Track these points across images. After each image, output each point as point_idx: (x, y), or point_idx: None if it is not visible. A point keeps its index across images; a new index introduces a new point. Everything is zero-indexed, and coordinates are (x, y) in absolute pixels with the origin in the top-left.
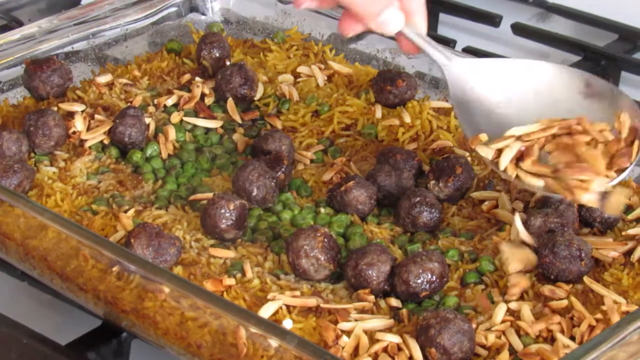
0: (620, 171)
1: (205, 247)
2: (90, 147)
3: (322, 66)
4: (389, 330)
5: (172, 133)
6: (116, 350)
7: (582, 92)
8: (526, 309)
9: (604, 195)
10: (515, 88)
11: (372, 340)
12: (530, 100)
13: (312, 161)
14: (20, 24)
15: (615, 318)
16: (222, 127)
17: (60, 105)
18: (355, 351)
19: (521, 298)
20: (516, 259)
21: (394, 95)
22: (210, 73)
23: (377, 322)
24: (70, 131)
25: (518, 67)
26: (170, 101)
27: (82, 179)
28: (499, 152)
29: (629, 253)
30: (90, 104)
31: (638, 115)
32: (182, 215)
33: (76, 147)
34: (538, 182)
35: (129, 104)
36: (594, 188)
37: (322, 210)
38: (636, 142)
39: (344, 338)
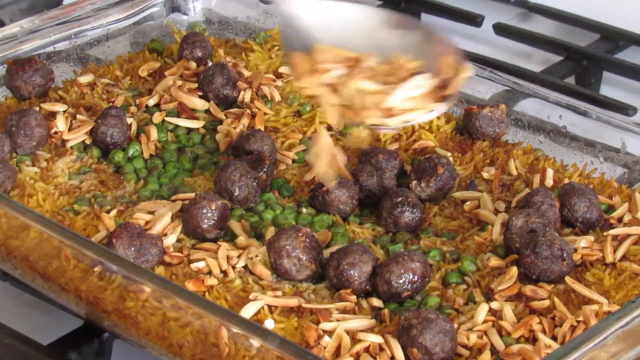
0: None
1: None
2: (72, 147)
3: None
4: (370, 330)
5: (154, 133)
6: (98, 350)
7: (387, 24)
8: (508, 309)
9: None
10: (338, 25)
11: (354, 341)
12: (349, 37)
13: (294, 161)
14: (2, 24)
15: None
16: (204, 127)
17: (42, 105)
18: (337, 351)
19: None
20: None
21: None
22: None
23: (358, 322)
24: (52, 131)
25: (344, 8)
26: (152, 101)
27: (64, 179)
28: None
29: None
30: (72, 104)
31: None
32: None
33: (58, 147)
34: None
35: (110, 104)
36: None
37: (304, 210)
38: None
39: (326, 338)
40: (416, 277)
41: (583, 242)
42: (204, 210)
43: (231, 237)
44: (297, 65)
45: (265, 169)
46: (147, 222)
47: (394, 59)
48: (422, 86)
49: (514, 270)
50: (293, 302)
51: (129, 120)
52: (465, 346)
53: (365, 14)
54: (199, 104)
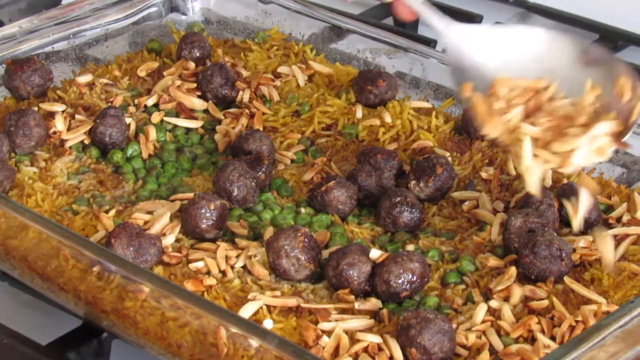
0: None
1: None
2: (70, 147)
3: (303, 66)
4: (369, 330)
5: (152, 133)
6: (96, 350)
7: (579, 58)
8: (507, 309)
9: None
10: (513, 55)
11: (353, 341)
12: (528, 67)
13: (292, 161)
14: (0, 24)
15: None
16: (202, 127)
17: (41, 105)
18: (336, 351)
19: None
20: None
21: (374, 95)
22: None
23: (357, 322)
24: (51, 131)
25: (516, 34)
26: (150, 101)
27: (62, 179)
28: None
29: None
30: (70, 104)
31: (636, 80)
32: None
33: (57, 147)
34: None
35: (109, 104)
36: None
37: (303, 210)
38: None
39: (325, 338)
40: (415, 277)
41: (582, 242)
42: (203, 210)
43: (230, 237)
44: (478, 107)
45: (264, 169)
46: (145, 222)
47: (578, 100)
48: (604, 134)
49: (513, 270)
50: (292, 302)
51: (128, 120)
52: (464, 346)
53: (555, 43)
54: (197, 104)
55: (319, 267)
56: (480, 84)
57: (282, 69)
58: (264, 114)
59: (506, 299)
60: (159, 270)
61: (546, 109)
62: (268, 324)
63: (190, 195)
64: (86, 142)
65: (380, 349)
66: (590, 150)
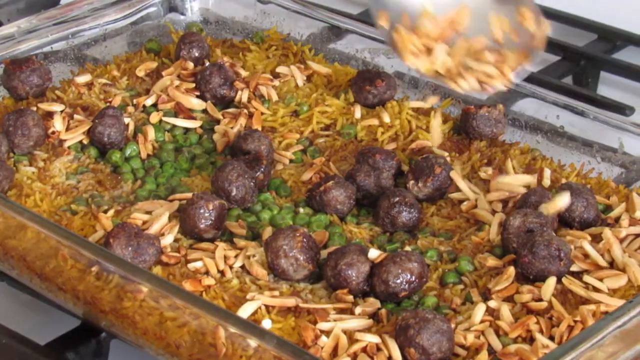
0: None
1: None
2: (69, 147)
3: (302, 66)
4: (368, 330)
5: (151, 133)
6: (95, 350)
7: None
8: (505, 309)
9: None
10: None
11: (351, 340)
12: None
13: (291, 161)
14: None
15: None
16: (201, 127)
17: (40, 105)
18: (335, 351)
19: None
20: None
21: (373, 95)
22: None
23: (356, 322)
24: (50, 131)
25: None
26: (149, 101)
27: (61, 179)
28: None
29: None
30: (69, 104)
31: (539, 13)
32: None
33: (55, 147)
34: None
35: (108, 104)
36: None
37: (301, 210)
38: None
39: (323, 338)
40: (413, 277)
41: (580, 242)
42: (202, 210)
43: (228, 237)
44: (400, 43)
45: (262, 169)
46: (144, 222)
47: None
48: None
49: (511, 270)
50: (290, 302)
51: (127, 120)
52: (462, 346)
53: None
54: (196, 103)
55: (317, 267)
56: (395, 14)
57: (281, 69)
58: (262, 113)
59: (505, 299)
60: (157, 270)
61: (461, 44)
62: (267, 324)
63: (189, 195)
64: (85, 142)
65: (378, 349)
66: (484, 77)
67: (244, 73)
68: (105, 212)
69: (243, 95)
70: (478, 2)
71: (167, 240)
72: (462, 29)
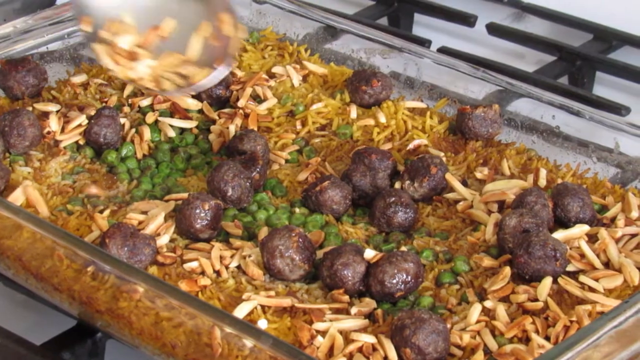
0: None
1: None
2: (65, 147)
3: (297, 66)
4: (363, 330)
5: (147, 133)
6: (91, 350)
7: None
8: (501, 309)
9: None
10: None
11: (347, 341)
12: (146, 4)
13: (287, 161)
14: None
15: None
16: (197, 127)
17: (35, 105)
18: (330, 351)
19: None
20: None
21: (369, 95)
22: None
23: (352, 322)
24: (45, 131)
25: None
26: (145, 101)
27: (57, 179)
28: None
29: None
30: (65, 104)
31: (234, 15)
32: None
33: (51, 147)
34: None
35: (104, 104)
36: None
37: (297, 210)
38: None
39: (319, 338)
40: (409, 277)
41: (576, 242)
42: (197, 211)
43: (224, 237)
44: (102, 54)
45: (258, 169)
46: (140, 222)
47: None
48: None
49: (507, 271)
50: (286, 302)
51: (122, 120)
52: (458, 346)
53: None
54: (191, 104)
55: (313, 267)
56: (100, 20)
57: (277, 69)
58: (258, 114)
59: (501, 299)
60: (153, 270)
61: (163, 47)
62: (262, 324)
63: (185, 195)
64: (81, 142)
65: (374, 349)
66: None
67: (239, 73)
68: (101, 212)
69: (239, 95)
70: (182, 10)
71: (163, 241)
72: (166, 36)
